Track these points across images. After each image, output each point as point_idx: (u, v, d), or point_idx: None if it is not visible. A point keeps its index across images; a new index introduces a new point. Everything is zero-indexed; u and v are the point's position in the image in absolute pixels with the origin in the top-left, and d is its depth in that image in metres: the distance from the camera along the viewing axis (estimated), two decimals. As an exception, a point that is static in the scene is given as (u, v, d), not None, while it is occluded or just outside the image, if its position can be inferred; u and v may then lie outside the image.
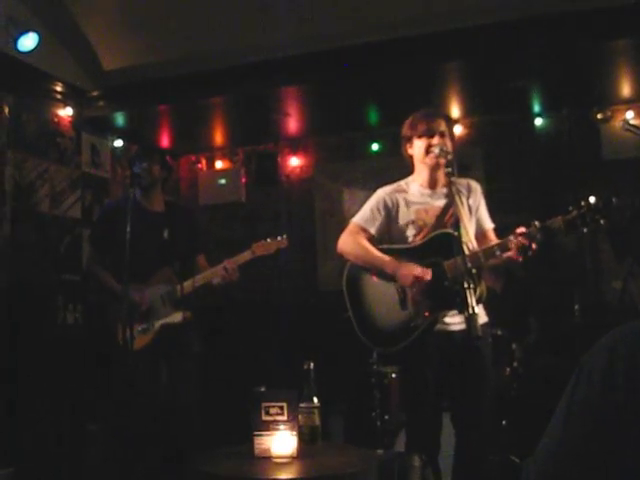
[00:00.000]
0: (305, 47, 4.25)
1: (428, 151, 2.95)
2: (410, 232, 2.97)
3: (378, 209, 3.03)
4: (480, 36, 3.97)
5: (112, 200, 4.96)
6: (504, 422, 3.73)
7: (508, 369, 3.86)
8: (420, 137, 2.98)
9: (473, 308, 2.40)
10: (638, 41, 3.86)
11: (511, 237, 2.73)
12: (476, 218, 3.02)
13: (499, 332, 3.85)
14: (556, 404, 1.23)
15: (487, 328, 2.89)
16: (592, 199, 2.62)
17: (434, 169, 2.96)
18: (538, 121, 5.07)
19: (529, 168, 5.06)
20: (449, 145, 2.95)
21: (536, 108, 5.01)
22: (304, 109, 5.08)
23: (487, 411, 2.86)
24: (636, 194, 4.63)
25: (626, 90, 4.66)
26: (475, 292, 2.51)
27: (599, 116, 4.86)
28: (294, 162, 5.74)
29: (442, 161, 2.90)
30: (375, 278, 2.99)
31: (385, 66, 4.27)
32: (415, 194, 3.02)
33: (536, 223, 2.71)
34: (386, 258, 2.94)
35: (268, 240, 3.58)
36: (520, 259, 2.70)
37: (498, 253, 2.76)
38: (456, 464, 2.86)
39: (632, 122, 2.73)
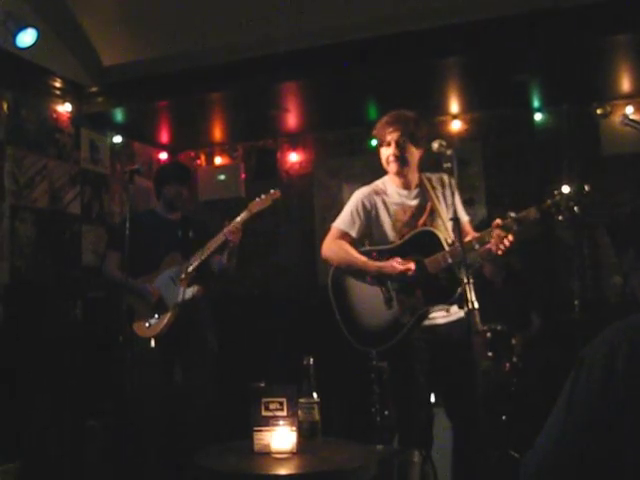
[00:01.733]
0: (304, 42, 4.24)
1: (387, 160, 3.00)
2: (390, 233, 3.00)
3: (357, 212, 3.06)
4: (480, 31, 3.96)
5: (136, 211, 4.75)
6: (504, 417, 3.73)
7: (508, 364, 3.86)
8: (381, 145, 3.03)
9: (473, 303, 2.41)
10: (638, 36, 3.85)
11: (488, 230, 2.76)
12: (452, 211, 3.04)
13: (499, 327, 3.86)
14: (556, 399, 1.23)
15: None
16: (565, 188, 2.70)
17: (399, 175, 3.01)
18: (538, 116, 5.06)
19: (528, 163, 5.05)
20: (411, 151, 2.96)
21: (536, 103, 5.00)
22: (303, 105, 5.06)
23: (480, 403, 2.87)
24: (636, 189, 4.63)
25: (626, 85, 4.65)
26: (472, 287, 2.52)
27: (599, 111, 4.85)
28: (293, 158, 5.73)
29: (402, 169, 2.96)
30: (359, 281, 3.01)
31: (384, 61, 4.25)
32: (393, 195, 3.05)
33: (512, 214, 2.76)
34: (367, 260, 2.97)
35: (262, 196, 3.67)
36: (499, 251, 2.74)
37: (477, 247, 2.80)
38: (454, 459, 2.86)
39: (631, 117, 2.75)
